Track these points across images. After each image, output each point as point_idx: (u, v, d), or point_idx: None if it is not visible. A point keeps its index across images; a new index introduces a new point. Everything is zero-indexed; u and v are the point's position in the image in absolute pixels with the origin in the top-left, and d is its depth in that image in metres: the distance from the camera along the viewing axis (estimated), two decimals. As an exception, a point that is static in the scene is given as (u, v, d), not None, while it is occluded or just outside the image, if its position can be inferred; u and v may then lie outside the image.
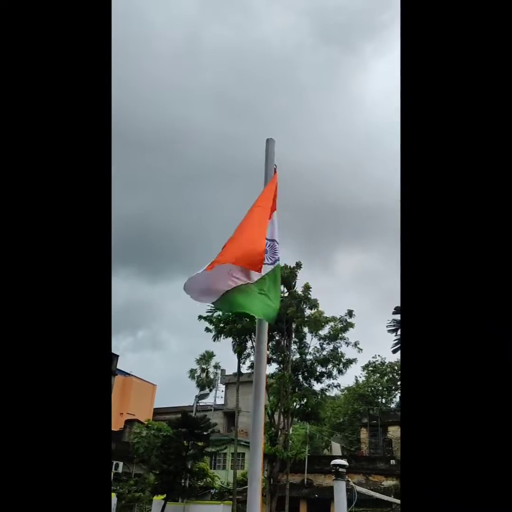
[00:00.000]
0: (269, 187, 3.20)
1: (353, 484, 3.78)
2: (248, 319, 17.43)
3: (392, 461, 24.14)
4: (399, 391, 30.00)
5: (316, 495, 22.93)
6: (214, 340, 18.67)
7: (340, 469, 3.94)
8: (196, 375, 35.16)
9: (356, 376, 30.73)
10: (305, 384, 19.32)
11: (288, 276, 18.22)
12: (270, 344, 18.87)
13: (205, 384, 36.19)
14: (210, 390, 37.18)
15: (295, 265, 18.46)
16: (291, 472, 20.85)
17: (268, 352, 18.80)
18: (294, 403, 19.09)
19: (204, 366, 36.72)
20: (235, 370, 20.43)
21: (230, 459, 28.19)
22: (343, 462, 3.97)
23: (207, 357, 36.76)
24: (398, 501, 7.85)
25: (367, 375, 29.98)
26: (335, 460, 3.99)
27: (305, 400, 18.97)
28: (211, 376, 37.31)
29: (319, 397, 18.72)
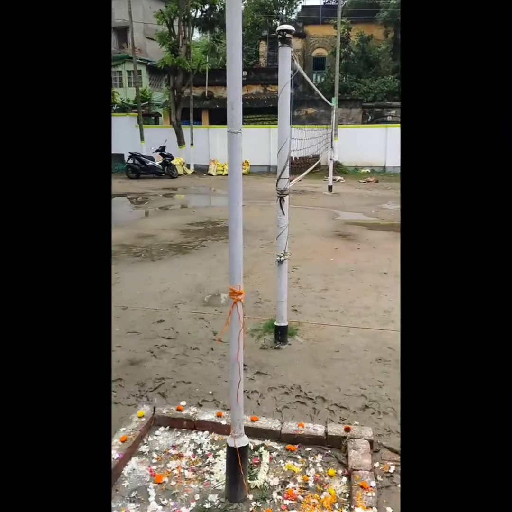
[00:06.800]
0: None
1: (294, 56, 3.56)
2: None
3: (289, 73, 25.07)
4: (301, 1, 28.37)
5: (217, 106, 24.21)
6: None
7: (287, 35, 3.63)
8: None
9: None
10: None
11: None
12: None
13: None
14: None
15: None
16: (193, 85, 21.09)
17: None
18: (196, 9, 17.45)
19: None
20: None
21: (126, 77, 27.52)
22: (290, 27, 3.62)
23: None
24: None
25: (269, -18, 27.18)
26: (282, 26, 3.64)
27: (207, 7, 17.36)
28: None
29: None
